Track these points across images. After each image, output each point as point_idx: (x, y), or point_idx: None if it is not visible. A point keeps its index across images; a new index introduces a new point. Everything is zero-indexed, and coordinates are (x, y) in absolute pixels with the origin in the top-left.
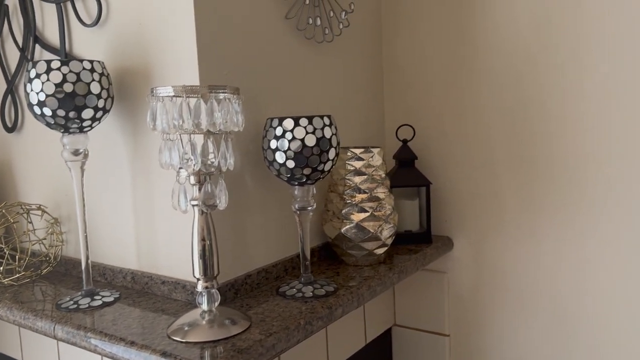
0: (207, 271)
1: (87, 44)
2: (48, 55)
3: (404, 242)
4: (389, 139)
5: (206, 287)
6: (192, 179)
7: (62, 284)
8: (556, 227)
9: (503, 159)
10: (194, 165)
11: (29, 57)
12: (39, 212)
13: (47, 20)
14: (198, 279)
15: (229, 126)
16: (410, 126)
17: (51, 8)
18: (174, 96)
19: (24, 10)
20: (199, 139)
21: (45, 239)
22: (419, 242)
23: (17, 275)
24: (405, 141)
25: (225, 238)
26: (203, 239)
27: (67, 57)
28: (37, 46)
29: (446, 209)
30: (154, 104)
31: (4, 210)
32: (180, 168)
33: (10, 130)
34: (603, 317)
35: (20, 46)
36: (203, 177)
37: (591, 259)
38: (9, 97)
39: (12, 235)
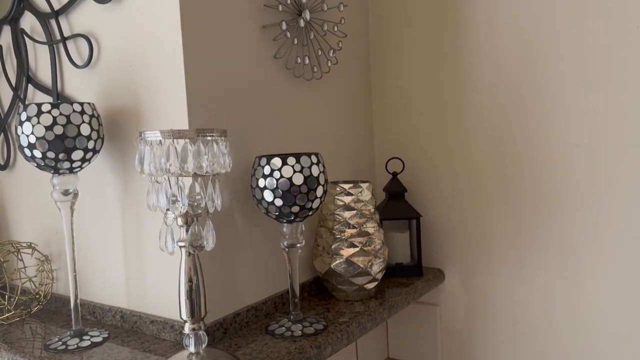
0: (194, 313)
1: (79, 85)
2: (40, 95)
3: (395, 275)
4: (379, 171)
5: (193, 329)
6: (180, 221)
7: (52, 322)
8: (546, 258)
9: (492, 190)
10: (181, 207)
11: (21, 97)
12: (30, 250)
13: (40, 61)
14: (185, 321)
15: (216, 168)
16: (400, 159)
17: (44, 49)
18: (162, 140)
19: (17, 51)
20: (186, 181)
21: (35, 276)
22: (410, 274)
23: (7, 314)
24: (395, 174)
25: (214, 277)
26: (190, 280)
27: (59, 98)
28: (30, 86)
29: (437, 241)
30: (142, 147)
31: None
32: (167, 210)
33: (2, 168)
34: (597, 346)
35: (14, 86)
36: (190, 219)
37: (582, 289)
38: (2, 135)
39: (3, 274)
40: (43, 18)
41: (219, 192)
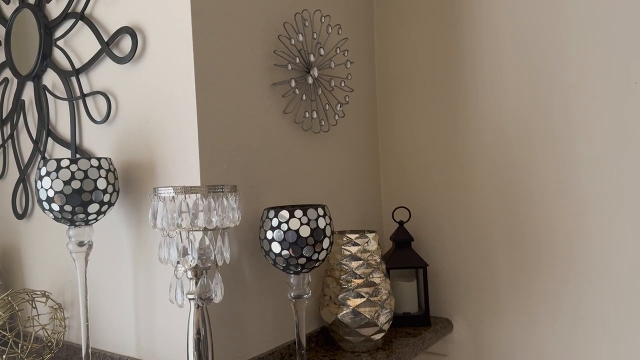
0: None
1: (97, 139)
2: (59, 148)
3: (402, 325)
4: (386, 220)
5: None
6: (190, 273)
7: None
8: (556, 307)
9: (499, 238)
10: (191, 261)
11: (41, 149)
12: (44, 299)
13: (60, 116)
14: None
15: (225, 222)
16: (406, 208)
17: (64, 105)
18: (174, 196)
19: (39, 106)
20: (197, 234)
21: (48, 324)
22: (418, 324)
23: None
24: (401, 223)
25: (221, 327)
26: (198, 332)
27: (77, 151)
28: (50, 139)
29: (444, 290)
30: (155, 202)
31: (9, 298)
32: (178, 263)
33: (20, 217)
34: None
35: (34, 139)
36: (200, 272)
37: (593, 339)
38: (21, 186)
39: (16, 322)
40: (64, 75)
41: (227, 245)
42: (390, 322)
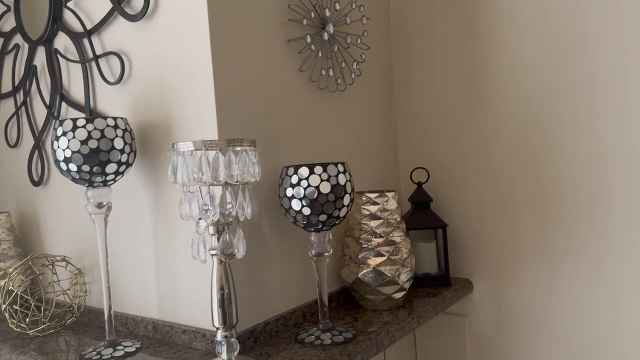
0: (226, 320)
1: (111, 101)
2: (73, 112)
3: (422, 285)
4: (404, 181)
5: (225, 337)
6: (211, 229)
7: (85, 334)
8: (578, 266)
9: (520, 197)
10: (213, 215)
11: (55, 114)
12: (64, 264)
13: (73, 79)
14: (217, 328)
15: (246, 177)
16: (424, 169)
17: (77, 68)
18: (194, 150)
19: (51, 70)
20: (217, 190)
21: (69, 289)
22: (438, 285)
23: (43, 326)
24: (420, 184)
25: (243, 286)
26: (222, 288)
27: (91, 114)
28: (64, 104)
29: (464, 251)
30: (174, 158)
31: (30, 263)
32: (199, 219)
33: (36, 184)
34: (630, 355)
35: (48, 104)
36: (221, 227)
37: (616, 297)
38: (36, 152)
39: (37, 287)
40: (76, 38)
41: (248, 200)
42: (411, 281)
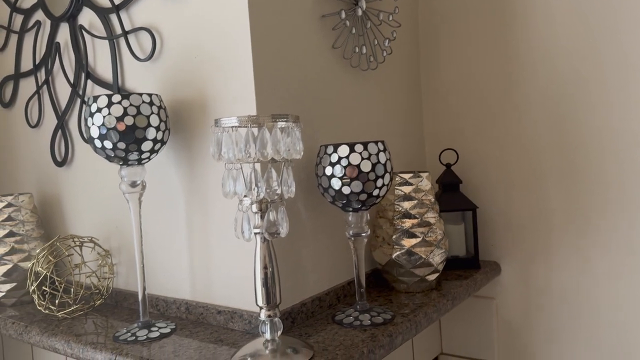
0: (270, 299)
1: (140, 78)
2: (99, 90)
3: (451, 268)
4: (430, 163)
5: (269, 316)
6: (254, 207)
7: (113, 316)
8: (609, 249)
9: (551, 180)
10: (259, 193)
11: (80, 93)
12: (91, 245)
13: (99, 56)
14: (261, 308)
15: (292, 154)
16: (454, 150)
17: (103, 45)
18: (238, 127)
19: (75, 47)
20: (262, 166)
21: (97, 271)
22: (467, 267)
23: (72, 307)
24: (448, 165)
25: (281, 266)
26: (265, 267)
27: (119, 92)
28: (89, 82)
29: (492, 233)
30: (219, 134)
31: (58, 244)
32: (244, 196)
33: (60, 164)
34: None
35: (72, 82)
36: (265, 205)
37: None
38: (59, 132)
39: (64, 269)
40: (103, 13)
41: (292, 178)
42: (445, 263)
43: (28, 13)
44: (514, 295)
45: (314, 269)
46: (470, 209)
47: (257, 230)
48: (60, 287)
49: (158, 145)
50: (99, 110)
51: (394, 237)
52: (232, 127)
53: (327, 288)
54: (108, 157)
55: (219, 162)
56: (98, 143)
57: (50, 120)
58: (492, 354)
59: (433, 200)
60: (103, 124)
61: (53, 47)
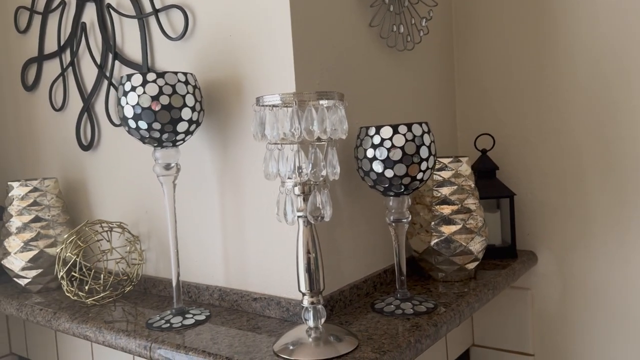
0: (313, 286)
1: (170, 58)
2: (127, 72)
3: (487, 257)
4: (463, 148)
5: (312, 303)
6: (297, 190)
7: (142, 303)
8: None
9: (591, 166)
10: (305, 175)
11: (107, 75)
12: (120, 230)
13: (127, 36)
14: (304, 294)
15: (338, 133)
16: (490, 135)
17: (131, 24)
18: (282, 105)
19: (102, 27)
20: (305, 147)
21: (125, 257)
22: (504, 256)
23: (101, 294)
24: (484, 151)
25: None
26: (308, 252)
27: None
28: (117, 63)
29: (529, 222)
30: (261, 113)
31: (87, 228)
32: (288, 178)
33: (86, 148)
34: None
35: (99, 63)
36: (308, 188)
37: None
38: (85, 115)
39: (92, 254)
40: None
41: (337, 159)
42: (484, 251)
43: None
44: (550, 286)
45: (352, 256)
46: (507, 196)
47: (300, 214)
48: (90, 273)
49: (193, 127)
50: (133, 89)
51: (432, 223)
52: (275, 105)
53: (364, 276)
54: (142, 139)
55: (261, 142)
56: (132, 123)
57: (75, 103)
58: (527, 347)
59: (473, 186)
60: (138, 104)
61: (79, 28)
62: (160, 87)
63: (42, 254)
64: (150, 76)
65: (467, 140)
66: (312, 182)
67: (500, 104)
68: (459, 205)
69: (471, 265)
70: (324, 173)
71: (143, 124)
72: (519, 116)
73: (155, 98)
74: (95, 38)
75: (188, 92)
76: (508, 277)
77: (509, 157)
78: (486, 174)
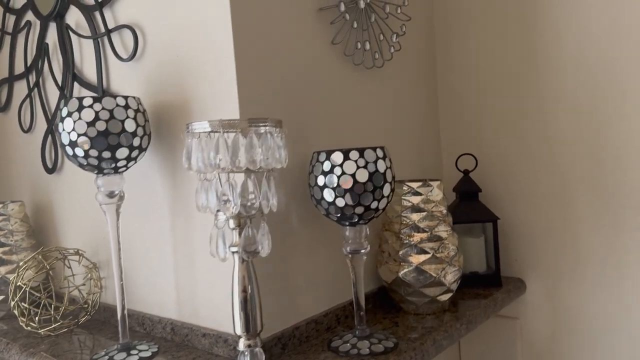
0: (250, 327)
1: (125, 79)
2: (86, 93)
3: (469, 285)
4: (447, 170)
5: (249, 346)
6: (232, 223)
7: (101, 333)
8: None
9: (582, 188)
10: (233, 207)
11: (67, 96)
12: (77, 257)
13: (86, 57)
14: (239, 336)
15: (271, 163)
16: (472, 155)
17: (89, 45)
18: (210, 132)
19: (63, 48)
20: (239, 178)
21: (84, 285)
22: (487, 284)
23: (55, 325)
24: (466, 172)
25: (270, 286)
26: (244, 290)
27: (104, 94)
28: (76, 84)
29: (516, 247)
30: (189, 140)
31: (40, 257)
32: (218, 211)
33: (50, 171)
34: None
35: (60, 85)
36: (243, 221)
37: None
38: (49, 137)
39: (48, 282)
40: (88, 11)
41: (274, 190)
42: (459, 282)
43: (19, 13)
44: (540, 315)
45: (310, 288)
46: (490, 221)
47: (235, 249)
48: (42, 302)
49: (136, 152)
50: (70, 114)
51: (400, 252)
52: (203, 132)
53: (325, 309)
54: (81, 166)
55: (189, 173)
56: (69, 150)
57: (41, 125)
58: None
59: (445, 212)
60: (74, 130)
61: (42, 49)
62: (97, 112)
63: (4, 280)
64: (87, 101)
65: (452, 160)
66: (245, 215)
67: (483, 122)
68: (429, 233)
69: (444, 297)
70: (257, 205)
71: (80, 151)
72: (503, 135)
73: (91, 124)
74: (58, 59)
75: (128, 117)
76: (488, 309)
77: (493, 178)
78: (468, 197)
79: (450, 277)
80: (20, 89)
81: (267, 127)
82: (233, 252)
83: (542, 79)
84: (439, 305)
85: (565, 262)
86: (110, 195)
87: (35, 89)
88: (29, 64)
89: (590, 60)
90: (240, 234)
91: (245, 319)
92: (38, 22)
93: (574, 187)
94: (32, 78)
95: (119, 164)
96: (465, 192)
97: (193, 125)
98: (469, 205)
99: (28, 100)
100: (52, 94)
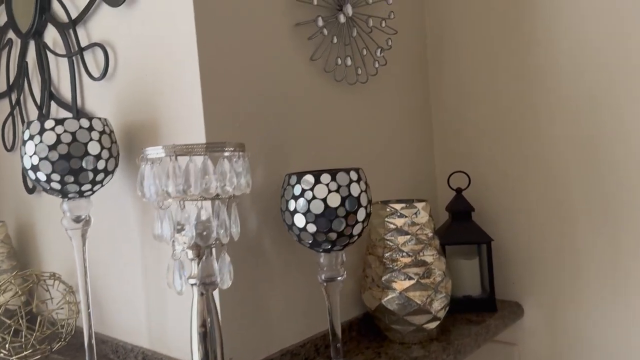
0: None
1: (98, 99)
2: (63, 113)
3: (463, 310)
4: (441, 188)
5: None
6: (190, 253)
7: (75, 359)
8: None
9: (580, 207)
10: (188, 237)
11: (46, 115)
12: (52, 281)
13: (62, 76)
14: None
15: (229, 190)
16: (465, 173)
17: (65, 63)
18: (164, 157)
19: (41, 67)
20: (205, 205)
21: (62, 308)
22: (481, 309)
23: (26, 352)
24: (459, 190)
25: (240, 315)
26: (203, 325)
27: (78, 113)
28: (53, 103)
29: (513, 269)
30: (142, 166)
31: (12, 281)
32: (173, 241)
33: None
34: None
35: (39, 104)
36: (202, 251)
37: None
38: None
39: (31, 306)
40: (63, 29)
41: (236, 218)
42: (447, 309)
43: (2, 31)
44: (539, 341)
45: (285, 316)
46: (484, 242)
47: (193, 281)
48: (13, 328)
49: (101, 176)
50: (31, 137)
51: (384, 278)
52: (157, 158)
53: (302, 339)
54: (45, 190)
55: (143, 200)
56: (32, 174)
57: None
58: None
59: (431, 235)
60: (35, 153)
61: (22, 67)
62: (59, 135)
63: None
64: (49, 124)
65: (445, 178)
66: (202, 246)
67: (477, 138)
68: (413, 258)
69: (430, 325)
70: (214, 235)
71: (42, 175)
72: (497, 151)
73: (52, 147)
74: (37, 77)
75: (92, 139)
76: (479, 337)
77: (487, 197)
78: (461, 216)
79: (437, 304)
80: (3, 107)
81: (225, 152)
82: (192, 285)
83: (540, 94)
84: (425, 334)
85: (565, 285)
86: (77, 220)
87: (17, 108)
88: (10, 83)
89: (586, 75)
90: (198, 264)
91: (205, 355)
92: (19, 41)
93: (574, 205)
94: (14, 96)
95: (83, 188)
96: (458, 212)
97: (147, 151)
98: (461, 225)
99: (10, 118)
100: (33, 113)
